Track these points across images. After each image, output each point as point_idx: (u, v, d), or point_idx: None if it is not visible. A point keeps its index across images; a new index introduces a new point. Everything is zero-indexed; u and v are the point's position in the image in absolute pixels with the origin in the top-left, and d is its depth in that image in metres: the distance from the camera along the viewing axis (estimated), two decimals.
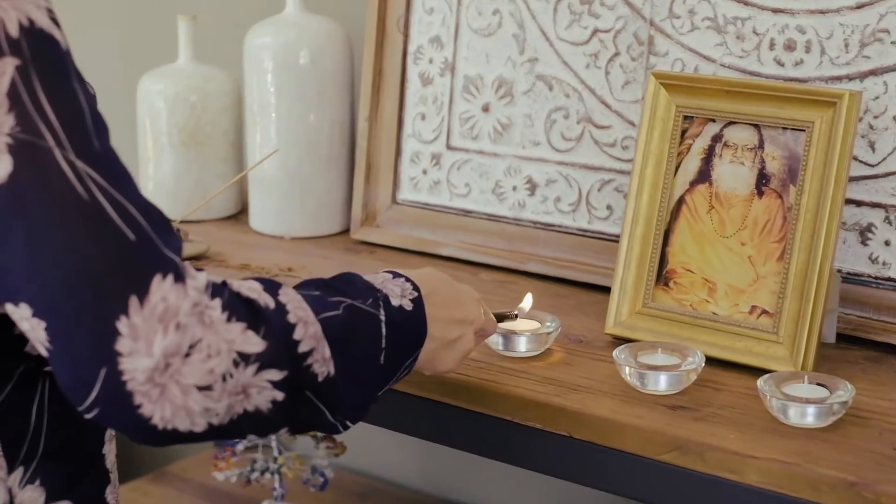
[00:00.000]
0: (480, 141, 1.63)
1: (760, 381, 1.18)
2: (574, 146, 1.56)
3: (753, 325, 1.30)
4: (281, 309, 0.95)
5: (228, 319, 0.90)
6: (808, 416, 1.16)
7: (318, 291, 1.02)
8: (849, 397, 1.17)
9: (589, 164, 1.55)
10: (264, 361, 0.92)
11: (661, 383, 1.23)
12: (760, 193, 1.31)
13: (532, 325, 1.34)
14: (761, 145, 1.32)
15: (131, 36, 2.21)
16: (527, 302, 1.33)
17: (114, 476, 1.10)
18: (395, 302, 1.08)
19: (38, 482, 1.01)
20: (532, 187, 1.59)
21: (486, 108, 1.62)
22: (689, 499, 1.17)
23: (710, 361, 1.29)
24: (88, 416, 0.89)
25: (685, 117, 1.36)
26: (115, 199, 0.88)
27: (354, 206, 1.71)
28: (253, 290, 0.94)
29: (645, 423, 1.18)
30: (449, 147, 1.65)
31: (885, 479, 1.07)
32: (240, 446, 1.84)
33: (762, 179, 1.31)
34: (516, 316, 1.31)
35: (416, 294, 1.10)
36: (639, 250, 1.37)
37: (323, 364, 0.97)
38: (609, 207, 1.54)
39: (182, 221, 1.68)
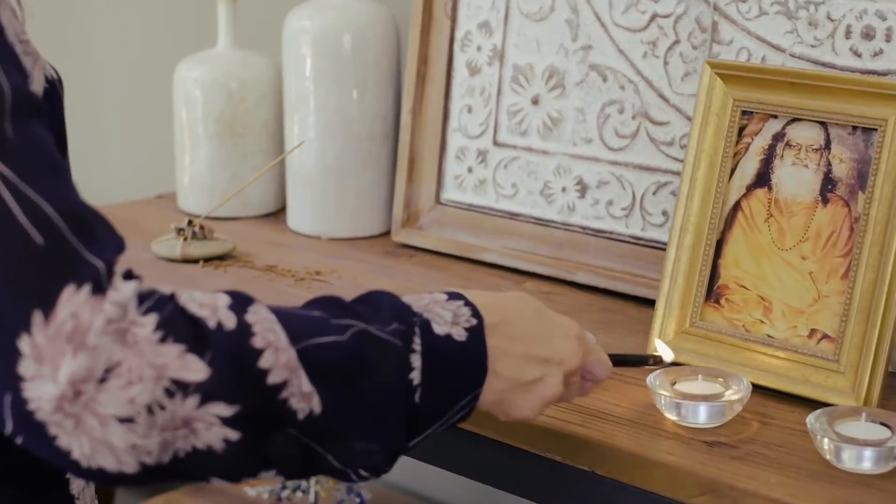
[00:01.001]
0: (529, 137, 1.48)
1: (811, 418, 1.02)
2: (628, 144, 1.40)
3: (812, 352, 1.14)
4: (244, 331, 0.80)
5: (162, 340, 0.76)
6: (864, 461, 1.00)
7: (319, 312, 0.86)
8: None
9: (644, 164, 1.40)
10: (207, 392, 0.77)
11: (699, 415, 1.08)
12: (825, 201, 1.15)
13: None
14: (828, 146, 1.15)
15: (171, 19, 2.10)
16: (666, 353, 1.13)
17: (82, 503, 0.96)
18: (439, 330, 0.89)
19: None
20: (582, 189, 1.44)
21: (535, 101, 1.47)
22: None
23: (761, 391, 1.14)
24: (19, 443, 0.76)
25: (743, 112, 1.20)
26: (23, 196, 0.75)
27: (395, 205, 1.58)
28: (206, 307, 0.79)
29: (675, 460, 1.03)
30: (496, 143, 1.51)
31: None
32: None
33: (828, 185, 1.15)
34: (654, 361, 1.11)
35: (474, 322, 0.91)
36: (687, 262, 1.21)
37: (301, 399, 0.81)
38: (665, 213, 1.38)
39: (208, 217, 1.56)
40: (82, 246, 0.76)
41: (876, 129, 1.12)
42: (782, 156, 1.18)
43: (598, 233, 1.44)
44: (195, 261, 1.50)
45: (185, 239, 1.51)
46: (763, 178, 1.19)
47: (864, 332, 1.10)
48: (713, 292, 1.20)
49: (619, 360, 1.08)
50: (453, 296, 0.93)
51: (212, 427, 0.78)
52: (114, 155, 2.26)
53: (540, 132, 1.47)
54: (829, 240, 1.14)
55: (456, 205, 1.55)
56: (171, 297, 0.79)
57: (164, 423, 0.76)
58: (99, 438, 0.75)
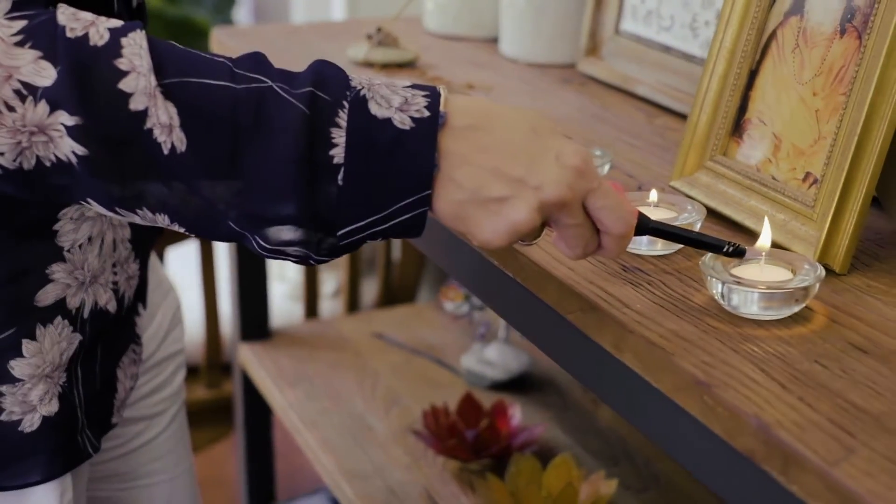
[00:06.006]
0: None
1: (707, 257, 0.94)
2: None
3: (799, 196, 1.03)
4: (110, 49, 0.80)
5: (20, 44, 0.79)
6: (750, 304, 0.91)
7: (226, 60, 0.84)
8: (811, 283, 0.90)
9: None
10: (52, 99, 0.79)
11: (639, 241, 1.01)
12: (843, 32, 1.02)
13: None
14: None
15: None
16: (764, 238, 0.95)
17: (76, 258, 1.00)
18: (378, 111, 0.82)
19: None
20: None
21: None
22: (571, 362, 1.01)
23: (744, 232, 1.05)
24: None
25: None
26: None
27: (582, 33, 1.55)
28: (81, 21, 0.81)
29: (569, 276, 0.99)
30: None
31: (741, 387, 0.82)
32: None
33: (848, 14, 1.02)
34: (733, 251, 0.92)
35: (426, 114, 0.82)
36: (716, 91, 1.12)
37: (163, 132, 0.81)
38: None
39: (448, 36, 1.61)
40: None
41: None
42: None
43: None
44: (375, 65, 1.57)
45: (372, 45, 1.58)
46: (798, 5, 1.07)
47: (837, 178, 0.98)
48: (740, 126, 1.11)
49: (674, 234, 0.92)
50: (422, 87, 0.84)
51: (63, 138, 0.80)
52: None
53: None
54: (838, 75, 1.02)
55: (629, 36, 1.50)
56: (51, 10, 0.82)
57: (15, 126, 0.80)
58: None
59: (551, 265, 1.00)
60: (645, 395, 0.89)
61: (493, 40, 1.72)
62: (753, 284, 0.90)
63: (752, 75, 1.10)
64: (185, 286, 2.14)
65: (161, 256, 1.93)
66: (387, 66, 1.56)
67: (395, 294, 2.23)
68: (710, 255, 0.93)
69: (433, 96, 0.83)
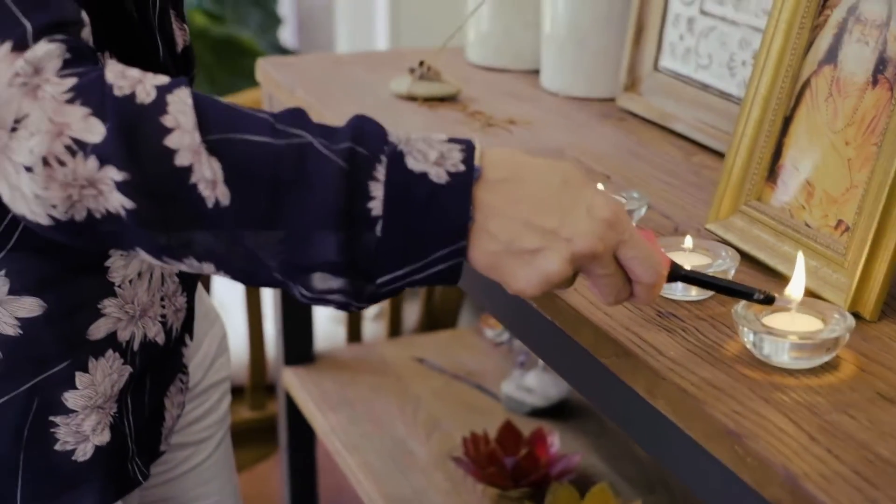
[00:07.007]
0: (725, 6, 1.43)
1: (739, 306, 0.96)
2: None
3: (831, 244, 1.05)
4: (157, 107, 0.83)
5: (71, 101, 0.82)
6: (781, 354, 0.93)
7: (268, 116, 0.88)
8: (840, 334, 0.92)
9: None
10: (102, 154, 0.82)
11: (674, 287, 1.04)
12: (875, 83, 1.05)
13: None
14: (888, 22, 1.04)
15: None
16: (795, 287, 0.97)
17: (126, 293, 1.05)
18: (414, 165, 0.84)
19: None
20: None
21: None
22: (605, 403, 1.05)
23: (777, 277, 1.07)
24: None
25: None
26: None
27: (621, 69, 1.58)
28: (129, 79, 0.84)
29: (605, 321, 1.01)
30: (702, 11, 1.47)
31: (770, 438, 0.84)
32: None
33: (880, 65, 1.04)
34: (764, 299, 0.94)
35: (462, 168, 0.84)
36: (751, 137, 1.15)
37: (207, 186, 0.83)
38: None
39: (488, 67, 1.64)
40: (19, 9, 0.84)
41: None
42: (851, 31, 1.08)
43: None
44: (418, 99, 1.60)
45: (415, 79, 1.61)
46: (832, 55, 1.09)
47: (868, 227, 1.00)
48: (774, 171, 1.13)
49: (705, 282, 0.95)
50: (458, 140, 0.87)
51: (113, 192, 0.84)
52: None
53: (733, 2, 1.41)
54: (870, 125, 1.04)
55: (668, 72, 1.53)
56: (100, 67, 0.85)
57: (66, 180, 0.83)
58: (14, 184, 0.84)
59: (588, 310, 1.03)
60: (677, 441, 0.92)
61: (535, 72, 1.75)
62: (784, 334, 0.93)
63: (787, 122, 1.13)
64: (231, 309, 2.18)
65: (208, 281, 1.97)
66: (429, 100, 1.60)
67: (437, 319, 2.26)
68: (742, 303, 0.96)
69: (468, 150, 0.86)
